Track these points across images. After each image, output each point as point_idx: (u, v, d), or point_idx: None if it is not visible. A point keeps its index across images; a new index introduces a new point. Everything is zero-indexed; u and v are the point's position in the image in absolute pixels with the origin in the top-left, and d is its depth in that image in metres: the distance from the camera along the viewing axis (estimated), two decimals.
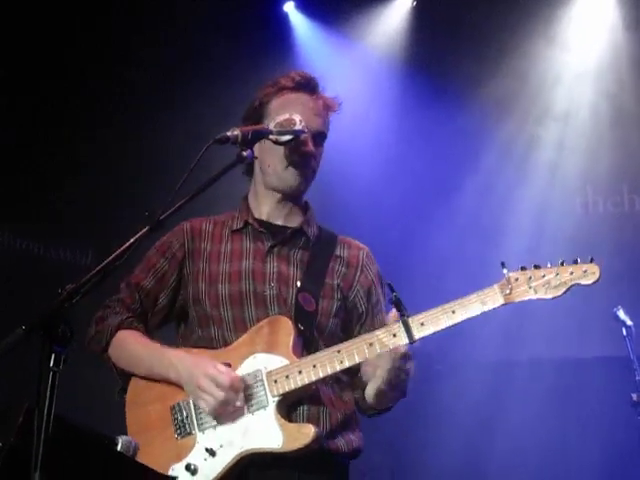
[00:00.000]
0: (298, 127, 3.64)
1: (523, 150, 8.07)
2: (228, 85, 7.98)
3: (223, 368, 3.55)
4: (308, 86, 3.88)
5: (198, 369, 3.57)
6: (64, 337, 2.62)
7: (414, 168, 7.81)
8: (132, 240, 2.94)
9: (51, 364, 2.59)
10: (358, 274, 3.83)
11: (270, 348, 3.57)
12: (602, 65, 7.89)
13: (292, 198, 3.87)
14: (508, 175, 7.96)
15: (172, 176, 3.19)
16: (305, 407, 3.58)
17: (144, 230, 2.97)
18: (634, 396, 6.22)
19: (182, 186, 3.07)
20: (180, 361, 3.66)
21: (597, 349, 7.36)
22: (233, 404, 3.51)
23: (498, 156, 8.03)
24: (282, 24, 8.62)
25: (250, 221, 3.85)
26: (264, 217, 3.87)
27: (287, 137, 3.62)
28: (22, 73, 7.60)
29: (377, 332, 3.38)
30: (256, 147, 3.69)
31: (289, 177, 3.78)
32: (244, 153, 3.37)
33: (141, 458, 3.39)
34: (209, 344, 3.73)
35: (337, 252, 3.87)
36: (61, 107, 7.90)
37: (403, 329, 3.33)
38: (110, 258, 2.88)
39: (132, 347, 3.79)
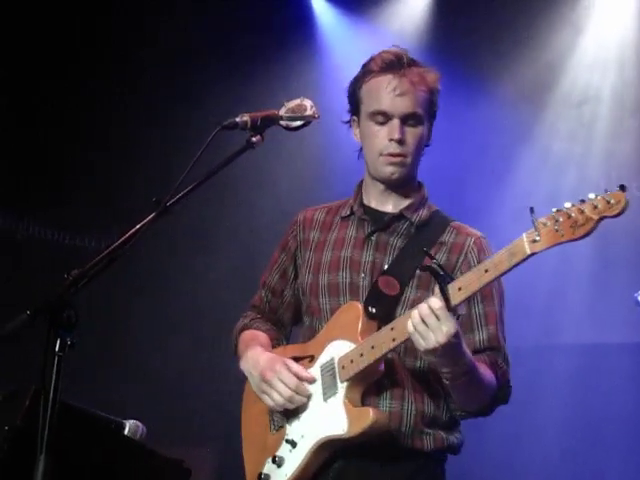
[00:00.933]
0: (308, 113, 3.55)
1: (544, 136, 8.01)
2: (250, 74, 7.99)
3: (293, 365, 3.54)
4: (392, 65, 3.67)
5: (267, 363, 3.58)
6: (69, 322, 2.64)
7: (433, 154, 7.77)
8: (139, 226, 2.94)
9: (56, 349, 2.61)
10: (461, 260, 3.59)
11: (342, 334, 3.52)
12: (624, 50, 7.82)
13: (395, 186, 3.73)
14: (529, 161, 7.92)
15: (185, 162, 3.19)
16: (387, 402, 3.49)
17: (151, 216, 2.97)
18: None
19: (190, 172, 3.07)
20: (252, 355, 3.67)
21: (619, 335, 7.30)
22: (298, 401, 3.50)
23: (519, 142, 7.98)
24: (304, 10, 8.58)
25: (355, 208, 3.77)
26: (372, 204, 3.76)
27: (298, 123, 3.51)
28: (33, 55, 7.63)
29: (422, 305, 3.20)
30: (357, 134, 3.73)
31: (381, 167, 3.66)
32: (254, 139, 3.31)
33: (248, 454, 3.62)
34: (311, 334, 3.71)
35: (442, 238, 3.66)
36: (71, 93, 7.91)
37: (441, 297, 3.17)
38: (116, 244, 2.89)
39: (241, 347, 3.82)
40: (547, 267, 7.27)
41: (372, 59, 3.73)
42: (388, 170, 3.64)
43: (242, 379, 3.76)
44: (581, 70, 7.96)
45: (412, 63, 3.70)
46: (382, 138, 3.63)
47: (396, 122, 3.60)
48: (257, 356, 3.65)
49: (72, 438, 2.69)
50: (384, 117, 3.62)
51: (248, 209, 8.14)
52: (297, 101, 3.61)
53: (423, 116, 3.66)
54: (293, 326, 3.94)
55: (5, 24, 7.43)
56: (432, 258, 3.29)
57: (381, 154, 3.63)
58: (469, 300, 3.41)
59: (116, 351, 7.66)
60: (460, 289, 3.17)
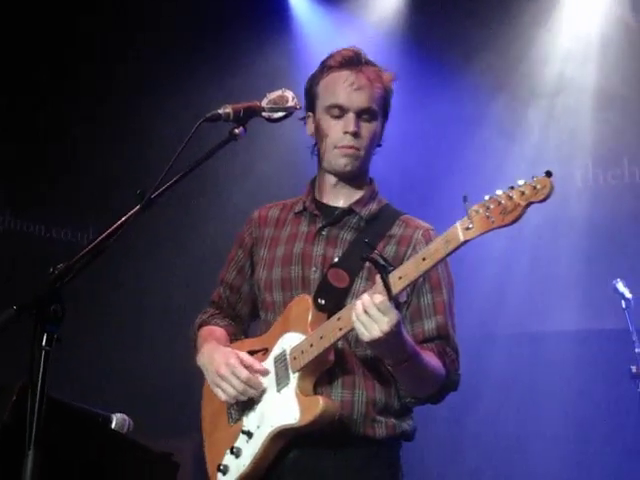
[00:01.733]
0: (290, 104, 3.58)
1: (520, 124, 8.04)
2: (228, 65, 7.98)
3: (246, 358, 3.61)
4: (351, 62, 3.77)
5: (221, 358, 3.63)
6: (56, 316, 2.63)
7: (411, 142, 7.79)
8: (124, 219, 2.93)
9: (43, 343, 2.60)
10: (409, 253, 3.65)
11: (293, 327, 3.59)
12: (602, 38, 7.85)
13: (348, 180, 3.80)
14: (505, 146, 7.95)
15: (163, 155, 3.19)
16: (339, 390, 3.56)
17: (135, 209, 2.96)
18: (633, 368, 6.23)
19: (174, 165, 3.06)
20: (208, 350, 3.73)
21: (596, 322, 7.35)
22: (251, 393, 3.56)
23: (495, 128, 8.00)
24: (280, 1, 8.59)
25: (307, 204, 3.83)
26: (323, 199, 3.83)
27: (280, 114, 3.54)
28: (22, 53, 7.59)
29: (364, 295, 3.30)
30: (311, 129, 3.80)
31: (336, 159, 3.73)
32: (236, 130, 3.32)
33: (207, 448, 3.68)
34: (267, 328, 3.77)
35: (391, 231, 3.74)
36: (61, 88, 7.89)
37: (383, 286, 3.26)
38: (101, 237, 2.87)
39: (198, 342, 3.89)
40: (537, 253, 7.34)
41: (330, 56, 3.82)
42: (342, 162, 3.72)
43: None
44: (555, 61, 7.99)
45: (369, 62, 3.81)
46: (337, 131, 3.71)
47: (351, 115, 3.69)
48: (212, 351, 3.72)
49: (60, 433, 2.69)
50: (340, 111, 3.71)
51: (222, 206, 8.14)
52: (279, 92, 3.63)
53: (378, 112, 3.76)
54: (251, 321, 4.02)
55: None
56: (373, 249, 3.37)
57: (335, 146, 3.72)
58: (418, 291, 3.60)
59: (96, 346, 7.64)
60: (400, 278, 3.24)
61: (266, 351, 3.66)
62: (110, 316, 7.87)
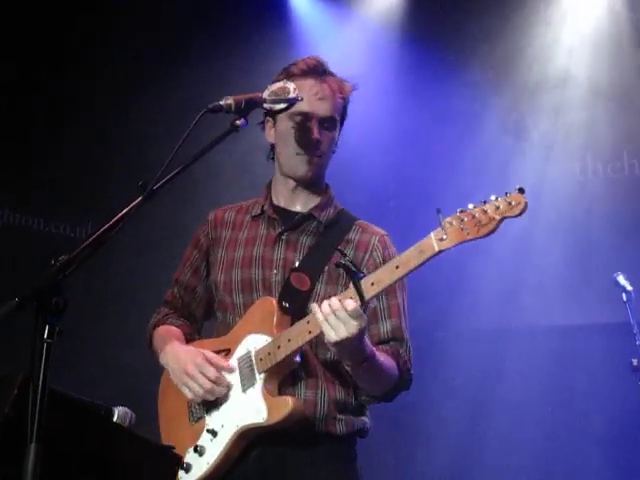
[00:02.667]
0: (292, 95, 3.60)
1: (521, 117, 8.03)
2: (226, 57, 7.96)
3: (213, 357, 3.69)
4: (315, 71, 3.88)
5: (187, 357, 3.71)
6: (57, 309, 2.62)
7: (409, 138, 7.78)
8: (125, 211, 2.92)
9: (45, 336, 2.59)
10: (366, 258, 3.80)
11: (258, 328, 3.68)
12: (601, 32, 7.83)
13: (306, 185, 3.90)
14: (506, 141, 7.93)
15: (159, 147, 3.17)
16: (302, 390, 3.68)
17: (137, 200, 2.95)
18: (634, 361, 6.23)
19: (175, 156, 3.05)
20: (172, 349, 3.81)
21: (597, 315, 7.34)
22: (219, 392, 3.64)
23: (496, 123, 7.98)
24: None
25: (265, 208, 3.91)
26: (281, 204, 3.92)
27: (281, 105, 3.58)
28: (21, 49, 7.57)
29: (334, 298, 3.38)
30: (271, 134, 3.90)
31: (297, 164, 3.82)
32: (238, 122, 3.32)
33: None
34: (226, 329, 3.84)
35: (348, 236, 3.85)
36: (60, 84, 7.88)
37: (355, 292, 3.35)
38: (103, 229, 2.86)
39: (155, 341, 3.98)
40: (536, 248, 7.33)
41: (293, 64, 3.93)
42: (304, 168, 3.83)
43: None
44: (558, 52, 7.96)
45: (331, 72, 3.94)
46: (300, 138, 3.80)
47: (314, 123, 3.80)
48: (176, 350, 3.80)
49: (62, 425, 2.67)
50: (303, 118, 3.81)
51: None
52: (280, 84, 3.67)
53: (337, 121, 3.90)
54: (205, 321, 4.10)
55: None
56: (345, 256, 3.44)
57: (298, 153, 3.81)
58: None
59: (95, 339, 7.63)
60: (373, 284, 3.35)
61: (228, 352, 3.74)
62: (109, 309, 7.84)
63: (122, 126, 8.00)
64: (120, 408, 2.93)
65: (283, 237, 3.84)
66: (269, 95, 3.58)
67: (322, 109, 3.82)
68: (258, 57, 8.00)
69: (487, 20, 7.81)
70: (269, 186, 3.99)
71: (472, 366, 7.41)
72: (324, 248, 3.79)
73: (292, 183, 3.89)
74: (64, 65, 7.90)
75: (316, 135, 3.78)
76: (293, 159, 3.82)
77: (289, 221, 3.86)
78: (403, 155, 7.83)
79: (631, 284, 6.50)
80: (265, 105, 3.54)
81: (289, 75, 3.86)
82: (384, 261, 3.72)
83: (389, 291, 3.70)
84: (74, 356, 7.03)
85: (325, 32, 8.20)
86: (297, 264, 3.76)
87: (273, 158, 3.98)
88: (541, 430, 7.36)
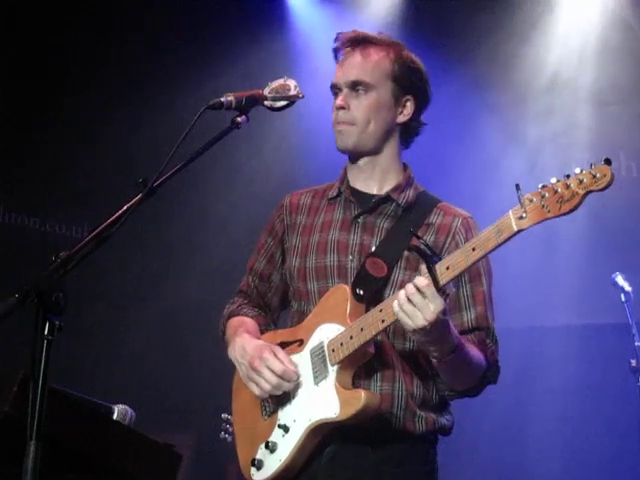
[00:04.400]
0: (292, 92, 3.55)
1: (520, 118, 8.01)
2: (226, 58, 7.96)
3: (280, 351, 3.52)
4: (350, 42, 3.75)
5: (254, 351, 3.55)
6: (58, 305, 2.60)
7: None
8: (125, 207, 2.89)
9: (45, 332, 2.57)
10: (448, 241, 3.56)
11: (331, 317, 3.49)
12: (601, 32, 7.82)
13: (366, 159, 3.70)
14: (502, 143, 7.91)
15: (168, 147, 3.14)
16: (378, 384, 3.48)
17: (137, 197, 2.92)
18: (633, 362, 6.21)
19: (175, 153, 3.03)
20: (240, 343, 3.63)
21: (596, 316, 7.33)
22: (287, 387, 3.48)
23: (492, 124, 7.96)
24: None
25: (342, 190, 3.75)
26: (358, 186, 3.74)
27: (281, 103, 3.52)
28: (26, 45, 7.56)
29: (407, 285, 3.19)
30: None
31: (336, 136, 3.70)
32: (239, 119, 3.27)
33: (241, 441, 3.58)
34: (300, 318, 3.68)
35: (429, 219, 3.63)
36: (58, 83, 7.87)
37: (430, 277, 3.16)
38: (103, 225, 2.83)
39: (228, 333, 3.80)
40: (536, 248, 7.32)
41: (335, 40, 3.78)
42: (338, 139, 3.69)
43: (229, 367, 3.72)
44: (562, 52, 7.94)
45: (371, 39, 3.75)
46: (332, 111, 3.68)
47: (344, 92, 3.66)
48: (244, 344, 3.62)
49: (62, 423, 2.66)
50: (336, 90, 3.69)
51: (226, 203, 8.13)
52: (280, 81, 3.60)
53: (373, 84, 3.66)
54: (281, 311, 3.92)
55: None
56: (419, 238, 3.27)
57: (333, 124, 3.70)
58: (457, 280, 3.40)
59: (96, 337, 7.62)
60: (448, 268, 3.15)
61: (301, 342, 3.57)
62: (113, 309, 7.83)
63: (119, 126, 7.98)
64: (120, 406, 2.91)
65: (359, 220, 3.65)
66: (270, 92, 3.52)
67: (348, 74, 3.67)
68: (255, 57, 8.01)
69: (485, 20, 7.78)
70: (345, 168, 3.81)
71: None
72: (402, 232, 3.55)
73: (350, 159, 3.74)
74: (62, 65, 7.88)
75: (338, 102, 3.65)
76: (335, 132, 3.70)
77: (366, 204, 3.67)
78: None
79: (630, 284, 6.48)
80: (266, 102, 3.45)
81: (334, 52, 3.78)
82: None
83: (473, 277, 3.54)
84: (79, 352, 7.04)
85: (322, 31, 8.16)
86: (373, 249, 3.57)
87: None
88: (537, 431, 7.34)
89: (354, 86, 3.65)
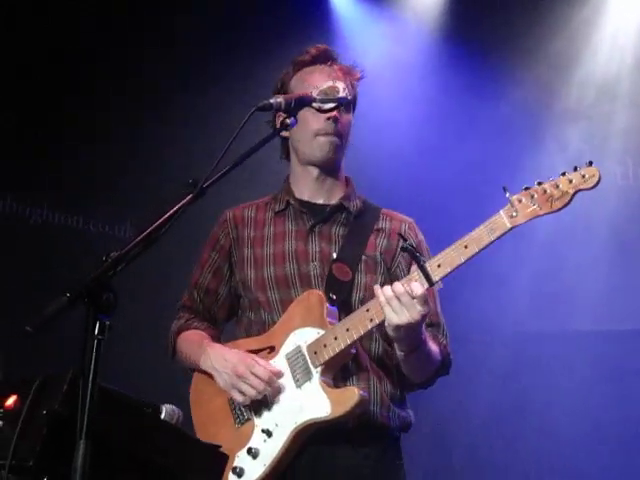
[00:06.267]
0: (342, 94, 3.64)
1: (560, 120, 7.94)
2: (264, 59, 7.95)
3: (262, 361, 3.63)
4: (324, 57, 3.91)
5: (235, 358, 3.66)
6: (108, 305, 2.61)
7: (453, 136, 7.74)
8: (176, 208, 2.90)
9: (96, 332, 2.58)
10: (400, 244, 3.70)
11: (306, 322, 3.61)
12: None
13: (328, 171, 3.87)
14: (545, 146, 7.85)
15: (208, 148, 3.15)
16: (354, 384, 3.61)
17: (188, 198, 2.93)
18: None
19: (225, 154, 3.04)
20: (214, 352, 3.75)
21: (617, 322, 7.29)
22: (270, 392, 3.59)
23: (533, 126, 7.90)
24: None
25: (291, 202, 3.87)
26: (305, 197, 3.89)
27: (330, 105, 3.60)
28: (46, 41, 7.60)
29: (397, 283, 3.37)
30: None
31: (318, 146, 3.79)
32: (287, 120, 3.32)
33: None
34: (261, 328, 3.78)
35: (379, 225, 3.84)
36: (99, 82, 7.90)
37: (421, 274, 3.31)
38: (153, 226, 2.84)
39: (185, 346, 3.93)
40: (564, 253, 7.27)
41: (301, 54, 3.96)
42: (325, 149, 3.80)
43: None
44: (599, 54, 7.87)
45: (337, 58, 3.97)
46: (318, 119, 3.77)
47: (331, 104, 3.71)
48: (223, 353, 3.74)
49: (111, 422, 2.66)
50: (327, 99, 3.73)
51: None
52: (329, 83, 3.67)
53: (351, 105, 3.89)
54: (226, 323, 4.05)
55: None
56: (405, 240, 3.43)
57: (317, 134, 3.78)
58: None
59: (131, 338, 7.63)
60: (439, 265, 3.34)
61: (272, 349, 3.67)
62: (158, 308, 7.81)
63: (159, 125, 7.99)
64: (167, 406, 2.92)
65: (316, 229, 3.81)
66: (319, 94, 3.60)
67: (338, 90, 3.78)
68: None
69: (531, 20, 7.72)
70: (287, 181, 3.95)
71: (510, 370, 7.35)
72: (358, 238, 3.78)
73: (315, 171, 3.87)
74: (102, 65, 7.91)
75: (335, 114, 3.75)
76: (313, 141, 3.80)
77: (318, 214, 3.83)
78: (442, 157, 7.77)
79: None
80: (314, 104, 3.53)
81: (298, 65, 3.91)
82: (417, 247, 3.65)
83: None
84: (115, 352, 7.05)
85: (367, 34, 8.17)
86: (334, 255, 3.73)
87: (288, 154, 3.96)
88: (554, 436, 7.28)
89: (340, 102, 3.75)
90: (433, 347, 3.61)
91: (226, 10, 8.10)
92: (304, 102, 3.43)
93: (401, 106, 7.80)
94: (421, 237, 3.89)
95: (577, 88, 7.93)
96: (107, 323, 2.60)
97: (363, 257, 3.73)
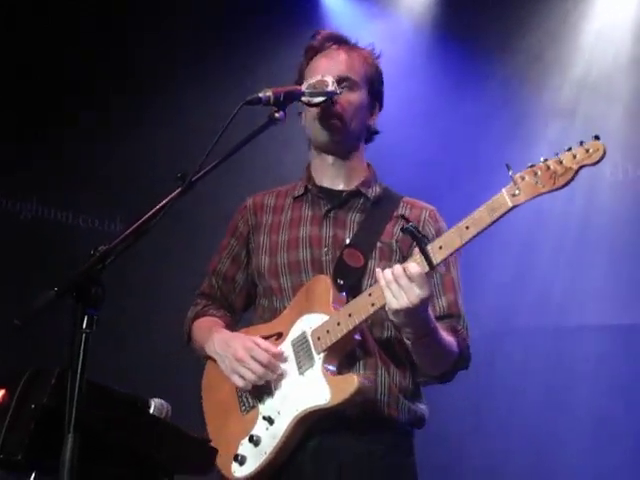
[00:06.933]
0: (330, 88, 3.61)
1: (549, 118, 7.94)
2: (261, 55, 7.95)
3: (263, 341, 3.56)
4: (330, 40, 3.88)
5: (236, 342, 3.60)
6: (97, 299, 2.61)
7: (444, 134, 7.74)
8: (164, 202, 2.91)
9: (83, 326, 2.57)
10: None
11: (312, 307, 3.55)
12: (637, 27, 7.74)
13: (342, 156, 3.81)
14: (534, 142, 7.85)
15: (199, 142, 3.15)
16: (361, 372, 3.52)
17: (176, 192, 2.94)
18: None
19: (213, 148, 3.03)
20: (219, 337, 3.69)
21: (625, 316, 7.26)
22: (271, 377, 3.52)
23: (522, 124, 7.90)
24: None
25: (310, 187, 3.83)
26: (325, 183, 3.83)
27: (319, 99, 3.59)
28: (46, 41, 7.60)
29: (396, 265, 3.28)
30: (302, 116, 3.82)
31: (319, 131, 3.75)
32: (277, 114, 3.30)
33: (217, 440, 3.43)
34: (272, 315, 3.73)
35: (397, 212, 3.75)
36: (91, 76, 7.89)
37: (422, 257, 3.25)
38: (142, 220, 2.85)
39: (197, 333, 3.87)
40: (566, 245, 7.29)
41: (312, 41, 3.92)
42: (325, 132, 3.73)
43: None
44: (589, 50, 7.87)
45: (349, 41, 3.91)
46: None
47: (320, 98, 3.67)
48: (225, 338, 3.68)
49: (99, 416, 2.66)
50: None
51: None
52: (318, 77, 3.65)
53: (359, 83, 3.79)
54: (243, 312, 3.99)
55: None
56: (408, 221, 3.34)
57: (315, 119, 3.72)
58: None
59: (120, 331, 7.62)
60: (441, 247, 3.24)
61: (280, 336, 3.61)
62: (140, 298, 7.81)
63: (151, 120, 7.98)
64: (156, 400, 2.91)
65: (330, 215, 3.75)
66: (307, 88, 3.60)
67: (336, 69, 3.75)
68: (289, 54, 7.98)
69: (520, 13, 7.73)
70: (308, 168, 3.91)
71: (516, 366, 7.33)
72: (374, 224, 3.70)
73: (329, 157, 3.82)
74: (94, 60, 7.90)
75: (319, 109, 3.69)
76: (315, 127, 3.75)
77: (335, 199, 3.78)
78: (434, 156, 7.77)
79: None
80: (303, 98, 3.55)
81: (308, 54, 3.88)
82: (436, 235, 3.55)
83: (444, 265, 3.56)
84: (105, 346, 7.03)
85: (357, 30, 8.14)
86: (348, 241, 3.66)
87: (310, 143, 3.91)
88: (567, 432, 7.28)
89: (340, 81, 3.72)
90: (447, 338, 3.50)
91: (226, 10, 8.09)
92: (293, 96, 3.43)
93: (392, 103, 7.78)
94: (442, 224, 3.76)
95: (567, 86, 7.93)
96: (95, 317, 2.59)
97: (378, 244, 3.64)
